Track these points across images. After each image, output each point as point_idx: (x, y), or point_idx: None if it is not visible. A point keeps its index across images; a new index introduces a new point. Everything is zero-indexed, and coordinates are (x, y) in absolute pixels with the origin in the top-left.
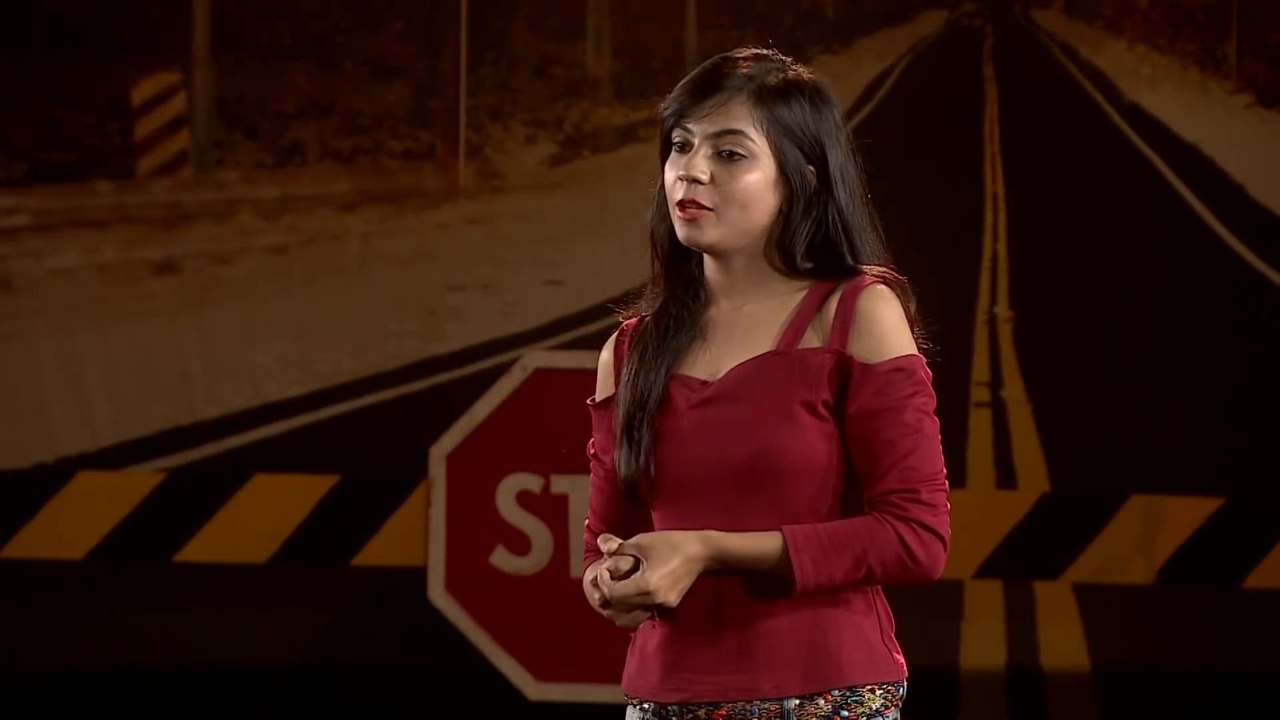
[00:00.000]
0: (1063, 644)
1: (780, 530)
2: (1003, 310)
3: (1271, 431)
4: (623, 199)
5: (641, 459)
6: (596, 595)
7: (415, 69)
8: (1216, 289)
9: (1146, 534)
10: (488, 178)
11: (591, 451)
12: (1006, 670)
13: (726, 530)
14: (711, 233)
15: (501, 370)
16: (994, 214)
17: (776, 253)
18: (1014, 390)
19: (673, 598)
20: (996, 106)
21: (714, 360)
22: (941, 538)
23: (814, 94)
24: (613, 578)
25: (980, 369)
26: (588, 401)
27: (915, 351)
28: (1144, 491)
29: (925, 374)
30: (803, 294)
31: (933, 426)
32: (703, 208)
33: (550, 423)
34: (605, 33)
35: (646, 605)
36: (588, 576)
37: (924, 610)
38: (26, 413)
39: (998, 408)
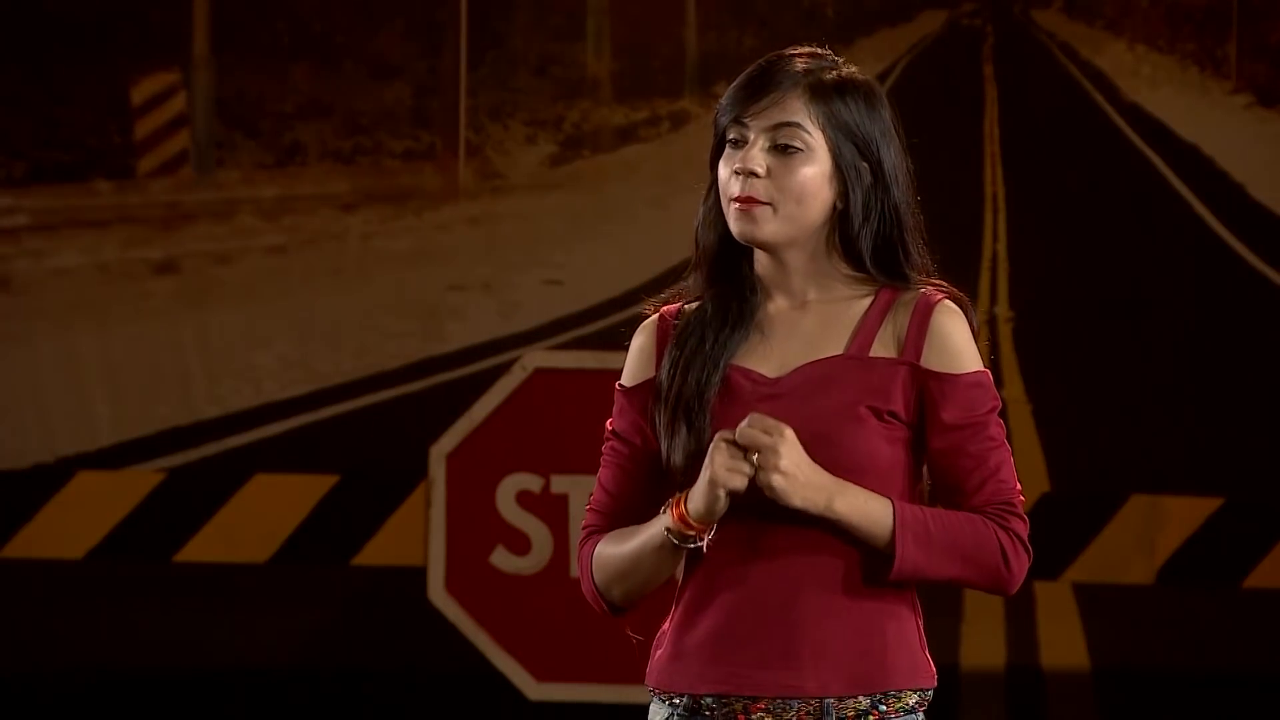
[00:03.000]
0: (1063, 644)
1: (890, 501)
2: (1003, 310)
3: (1271, 431)
4: (623, 199)
5: (703, 447)
6: (713, 448)
7: (415, 69)
8: (1216, 289)
9: (1146, 534)
10: (488, 178)
11: (610, 429)
12: (1006, 670)
13: (778, 526)
14: (768, 227)
15: (501, 370)
16: (994, 214)
17: (839, 251)
18: (1014, 390)
19: (785, 465)
20: (996, 106)
21: (778, 357)
22: (1030, 553)
23: (868, 93)
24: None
25: None
26: (617, 385)
27: (985, 367)
28: (1144, 491)
29: (995, 388)
30: (867, 299)
31: (1006, 438)
32: (759, 202)
33: (550, 423)
34: (605, 33)
35: (750, 466)
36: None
37: (924, 610)
38: (26, 413)
39: None
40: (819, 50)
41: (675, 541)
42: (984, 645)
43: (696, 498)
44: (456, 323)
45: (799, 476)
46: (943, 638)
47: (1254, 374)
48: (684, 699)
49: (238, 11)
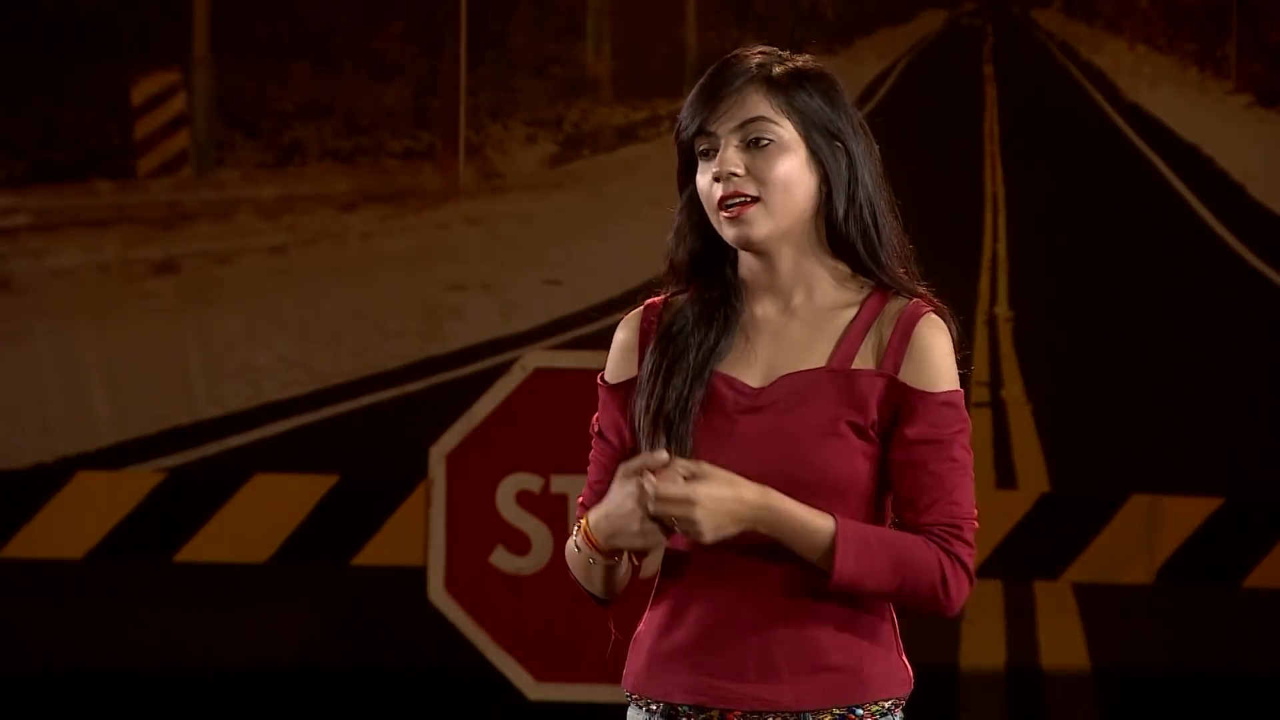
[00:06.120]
0: (1063, 644)
1: (832, 516)
2: (1003, 310)
3: (1271, 431)
4: (623, 199)
5: (685, 455)
6: (630, 493)
7: (415, 69)
8: (1216, 289)
9: (1146, 534)
10: (488, 178)
11: (596, 428)
12: (1006, 670)
13: (755, 540)
14: (763, 225)
15: (501, 370)
16: (994, 214)
17: (825, 248)
18: (1014, 390)
19: (708, 528)
20: (996, 106)
21: (763, 365)
22: (972, 579)
23: (825, 82)
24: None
25: (980, 369)
26: (599, 379)
27: (960, 386)
28: (1144, 491)
29: (965, 409)
30: (854, 308)
31: (971, 463)
32: (750, 198)
33: (550, 423)
34: (605, 33)
35: (669, 528)
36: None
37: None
38: (26, 413)
39: (998, 408)
40: (768, 48)
41: (591, 559)
42: (984, 645)
43: (602, 528)
44: (456, 323)
45: (721, 517)
46: (943, 638)
47: (1254, 374)
48: (660, 706)
49: (238, 11)
